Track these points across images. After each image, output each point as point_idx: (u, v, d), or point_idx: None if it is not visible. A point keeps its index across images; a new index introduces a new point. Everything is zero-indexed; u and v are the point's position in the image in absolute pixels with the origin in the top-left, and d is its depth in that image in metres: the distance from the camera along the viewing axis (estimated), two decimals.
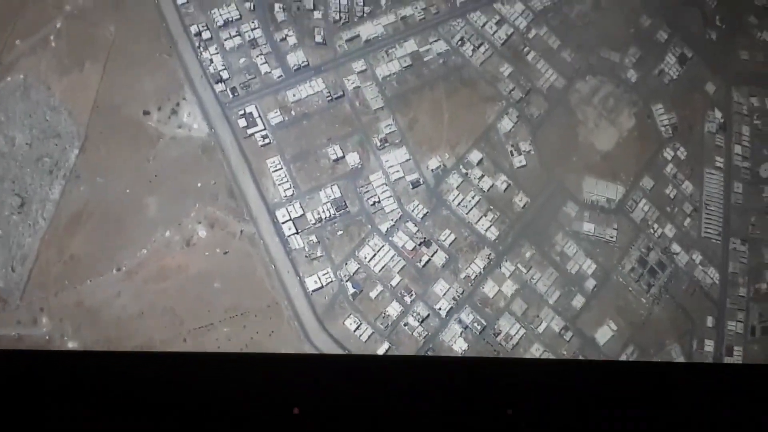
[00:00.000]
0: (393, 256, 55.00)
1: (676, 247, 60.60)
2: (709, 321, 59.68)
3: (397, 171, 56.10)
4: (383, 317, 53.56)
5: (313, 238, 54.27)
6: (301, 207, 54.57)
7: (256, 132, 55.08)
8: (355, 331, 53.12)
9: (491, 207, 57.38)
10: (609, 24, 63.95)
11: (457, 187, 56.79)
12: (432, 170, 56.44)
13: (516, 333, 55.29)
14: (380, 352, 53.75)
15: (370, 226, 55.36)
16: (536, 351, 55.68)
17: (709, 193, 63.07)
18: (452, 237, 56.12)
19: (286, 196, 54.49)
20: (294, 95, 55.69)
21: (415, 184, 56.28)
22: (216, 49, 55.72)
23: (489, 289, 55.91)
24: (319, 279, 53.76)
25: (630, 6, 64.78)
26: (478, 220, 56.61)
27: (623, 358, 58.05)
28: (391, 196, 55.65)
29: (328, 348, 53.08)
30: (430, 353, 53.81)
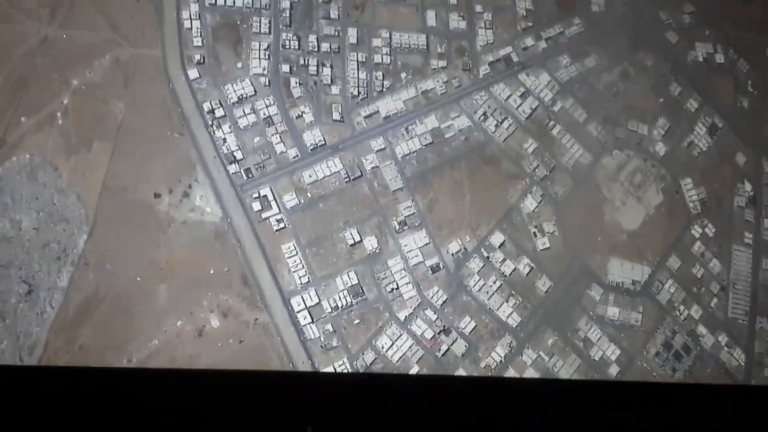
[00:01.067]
0: (411, 345, 53.29)
1: (702, 330, 58.75)
2: None
3: (417, 255, 54.15)
4: None
5: (329, 327, 52.55)
6: (317, 294, 52.74)
7: (271, 216, 53.14)
8: None
9: (513, 292, 55.49)
10: (638, 94, 61.65)
11: (478, 271, 54.85)
12: (452, 254, 54.48)
13: None
14: None
15: (387, 314, 53.55)
16: None
17: (736, 271, 61.08)
18: (472, 324, 54.37)
19: (301, 284, 52.67)
20: (310, 176, 53.62)
21: (435, 269, 54.36)
22: (230, 127, 53.57)
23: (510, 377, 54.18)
24: (335, 370, 52.01)
25: (659, 74, 62.11)
26: (500, 306, 54.78)
27: None
28: (409, 282, 53.78)
29: None
30: None
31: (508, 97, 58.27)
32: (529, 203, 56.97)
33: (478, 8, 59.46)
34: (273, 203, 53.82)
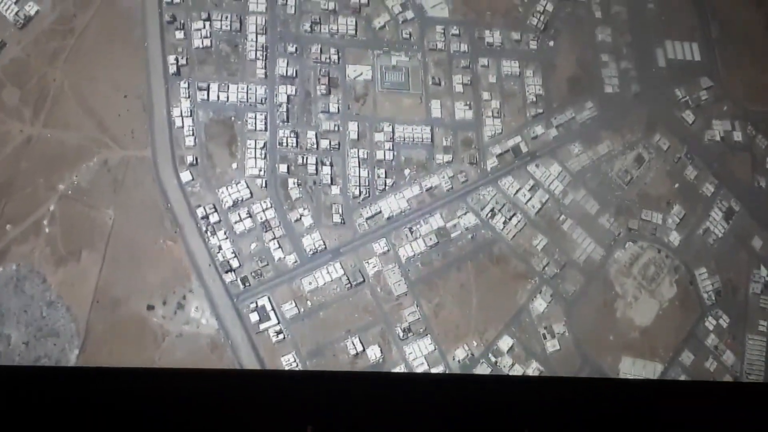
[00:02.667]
0: None
1: None
2: None
3: (422, 363, 52.43)
4: None
5: None
6: None
7: (270, 327, 51.22)
8: None
9: None
10: (652, 180, 59.26)
11: None
12: (459, 361, 52.72)
13: None
14: None
15: None
16: None
17: (750, 360, 59.26)
18: None
19: None
20: (310, 283, 51.35)
21: None
22: (225, 233, 51.20)
23: None
24: None
25: (675, 157, 59.17)
26: None
27: None
28: None
29: None
30: None
31: (517, 191, 55.68)
32: (539, 304, 54.76)
33: (486, 96, 56.60)
34: (271, 313, 51.74)
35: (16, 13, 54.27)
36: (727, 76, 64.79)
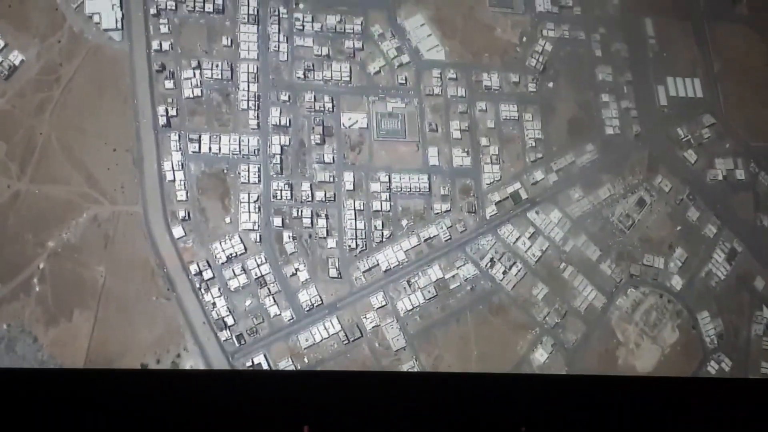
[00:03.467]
0: None
1: None
2: None
3: None
4: None
5: None
6: None
7: None
8: None
9: None
10: (654, 224, 58.68)
11: None
12: None
13: None
14: None
15: None
16: None
17: None
18: None
19: None
20: (307, 340, 50.58)
21: None
22: (219, 290, 50.26)
23: None
24: None
25: (677, 199, 58.14)
26: None
27: None
28: None
29: None
30: None
31: (517, 240, 54.71)
32: (540, 354, 54.06)
33: (484, 141, 55.49)
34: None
35: (1, 63, 52.58)
36: (730, 112, 63.65)
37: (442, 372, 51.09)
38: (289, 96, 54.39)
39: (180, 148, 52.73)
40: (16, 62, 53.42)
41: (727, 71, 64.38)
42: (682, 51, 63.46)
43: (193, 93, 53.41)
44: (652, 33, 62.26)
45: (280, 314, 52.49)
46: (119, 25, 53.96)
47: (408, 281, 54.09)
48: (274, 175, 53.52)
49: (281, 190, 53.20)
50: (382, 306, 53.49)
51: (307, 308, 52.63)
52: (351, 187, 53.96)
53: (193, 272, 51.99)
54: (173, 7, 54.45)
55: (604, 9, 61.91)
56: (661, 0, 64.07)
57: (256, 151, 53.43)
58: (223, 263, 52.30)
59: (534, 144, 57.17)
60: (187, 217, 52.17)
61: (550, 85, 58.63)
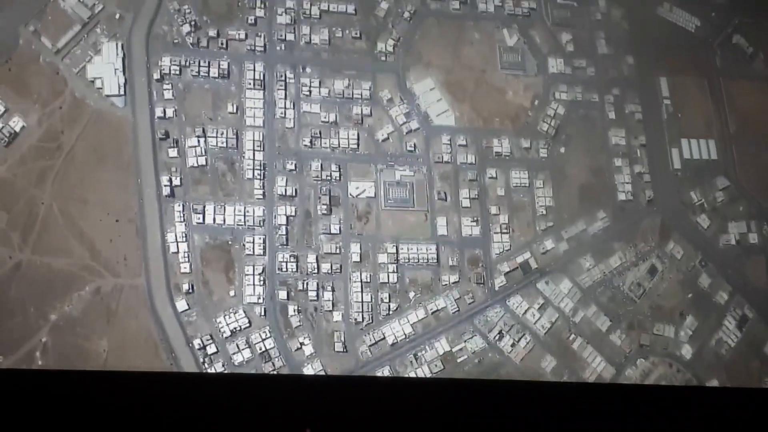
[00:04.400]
0: None
1: None
2: None
3: None
4: None
5: None
6: None
7: None
8: None
9: None
10: (665, 292, 57.63)
11: None
12: None
13: None
14: None
15: None
16: None
17: None
18: None
19: None
20: None
21: None
22: (223, 365, 50.14)
23: None
24: None
25: (689, 266, 56.78)
26: None
27: None
28: None
29: None
30: None
31: (526, 311, 53.78)
32: None
33: (494, 210, 54.18)
34: None
35: (1, 130, 51.31)
36: (744, 173, 62.26)
37: (445, 378, 50.35)
38: (295, 164, 53.16)
39: (184, 219, 51.64)
40: (17, 128, 52.21)
41: (742, 131, 62.83)
42: (698, 111, 61.89)
43: (197, 162, 52.24)
44: (667, 93, 60.70)
45: None
46: (122, 91, 52.72)
47: (415, 355, 53.11)
48: (280, 247, 52.42)
49: (287, 262, 52.11)
50: None
51: None
52: (358, 259, 52.83)
53: (196, 347, 51.09)
54: (177, 72, 53.14)
55: (619, 69, 60.44)
56: (677, 58, 62.55)
57: (262, 222, 52.29)
58: (227, 337, 51.34)
59: (545, 212, 55.85)
60: (190, 290, 51.15)
61: (562, 150, 57.21)
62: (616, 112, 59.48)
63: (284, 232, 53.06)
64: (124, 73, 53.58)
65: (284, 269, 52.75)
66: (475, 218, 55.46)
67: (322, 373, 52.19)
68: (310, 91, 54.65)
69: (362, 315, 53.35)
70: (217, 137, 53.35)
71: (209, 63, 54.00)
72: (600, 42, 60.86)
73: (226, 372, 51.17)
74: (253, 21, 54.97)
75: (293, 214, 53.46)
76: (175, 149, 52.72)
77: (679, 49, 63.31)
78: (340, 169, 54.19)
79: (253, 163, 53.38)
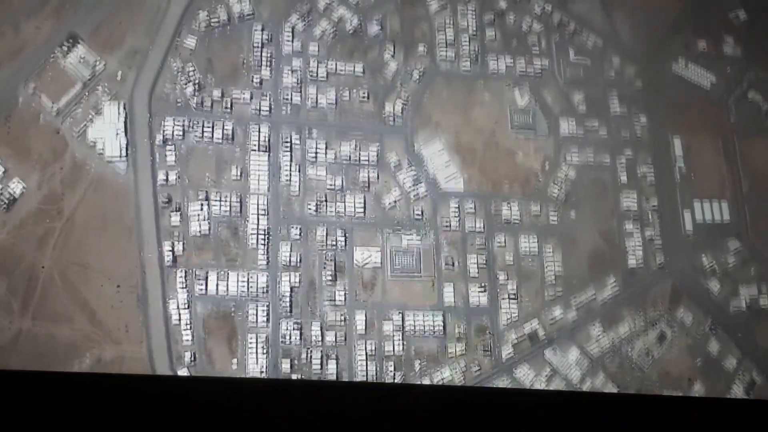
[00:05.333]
0: None
1: None
2: None
3: None
4: None
5: None
6: None
7: None
8: None
9: None
10: (674, 358, 56.70)
11: None
12: None
13: None
14: None
15: None
16: None
17: None
18: None
19: None
20: None
21: None
22: None
23: None
24: None
25: (699, 332, 55.57)
26: None
27: None
28: None
29: None
30: None
31: (533, 381, 52.00)
32: None
33: (502, 277, 52.91)
34: None
35: (1, 193, 49.74)
36: (756, 234, 60.97)
37: (447, 385, 49.29)
38: (300, 231, 51.78)
39: (186, 287, 50.46)
40: (17, 191, 50.88)
41: (755, 190, 61.39)
42: (711, 171, 60.39)
43: (200, 228, 50.94)
44: (681, 153, 59.17)
45: None
46: (123, 154, 51.32)
47: None
48: (283, 316, 51.13)
49: (290, 332, 50.96)
50: None
51: None
52: (363, 328, 51.58)
53: None
54: (180, 135, 51.73)
55: (632, 129, 58.96)
56: (691, 117, 61.01)
57: (265, 291, 51.06)
58: None
59: (554, 279, 54.58)
60: (192, 361, 50.07)
61: (573, 215, 55.83)
62: (628, 175, 58.09)
63: (288, 301, 51.87)
64: (126, 136, 52.14)
65: (288, 339, 51.57)
66: (483, 286, 54.18)
67: None
68: (316, 155, 53.29)
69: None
70: (220, 203, 52.05)
71: (213, 125, 52.60)
72: (613, 101, 59.39)
73: (223, 376, 49.90)
74: (258, 82, 53.73)
75: (297, 282, 52.23)
76: (178, 215, 51.41)
77: (693, 108, 61.70)
78: (345, 235, 52.88)
79: (257, 229, 52.07)
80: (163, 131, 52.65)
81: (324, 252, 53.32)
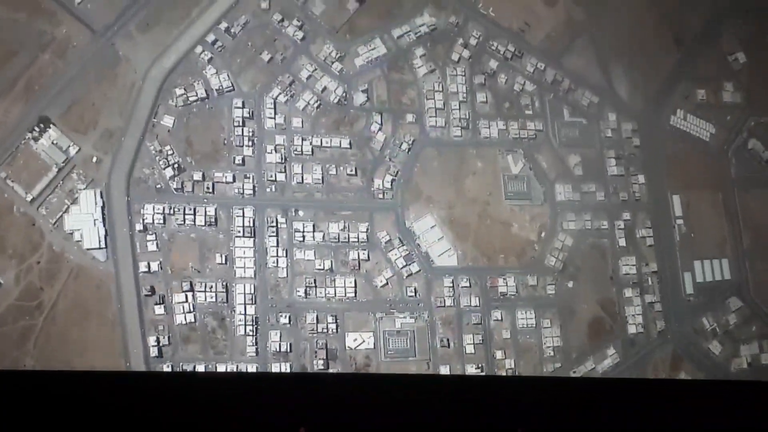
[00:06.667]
0: None
1: None
2: None
3: None
4: None
5: None
6: None
7: None
8: None
9: None
10: None
11: None
12: None
13: None
14: None
15: None
16: None
17: None
18: None
19: None
20: None
21: None
22: None
23: None
24: None
25: None
26: None
27: None
28: None
29: None
30: None
31: None
32: None
33: (499, 354, 52.16)
34: None
35: None
36: (757, 291, 59.20)
37: (440, 375, 48.40)
38: (289, 317, 49.67)
39: None
40: None
41: (756, 245, 59.37)
42: (711, 228, 58.16)
43: (185, 319, 48.87)
44: (680, 212, 56.90)
45: None
46: (102, 243, 48.89)
47: None
48: None
49: None
50: None
51: None
52: None
53: None
54: (161, 221, 49.23)
55: (629, 190, 56.49)
56: (690, 172, 58.70)
57: None
58: None
59: (552, 353, 52.83)
60: None
61: (570, 284, 53.71)
62: (627, 239, 55.85)
63: None
64: (104, 224, 49.53)
65: None
66: (480, 365, 52.24)
67: None
68: (303, 237, 50.88)
69: None
70: (205, 291, 49.79)
71: (195, 210, 50.11)
72: (610, 162, 56.87)
73: (219, 371, 47.94)
74: (240, 161, 51.12)
75: (288, 371, 50.09)
76: (162, 306, 49.10)
77: (692, 162, 59.19)
78: (336, 320, 50.70)
79: (245, 317, 49.86)
80: (143, 218, 50.03)
81: (315, 338, 51.10)
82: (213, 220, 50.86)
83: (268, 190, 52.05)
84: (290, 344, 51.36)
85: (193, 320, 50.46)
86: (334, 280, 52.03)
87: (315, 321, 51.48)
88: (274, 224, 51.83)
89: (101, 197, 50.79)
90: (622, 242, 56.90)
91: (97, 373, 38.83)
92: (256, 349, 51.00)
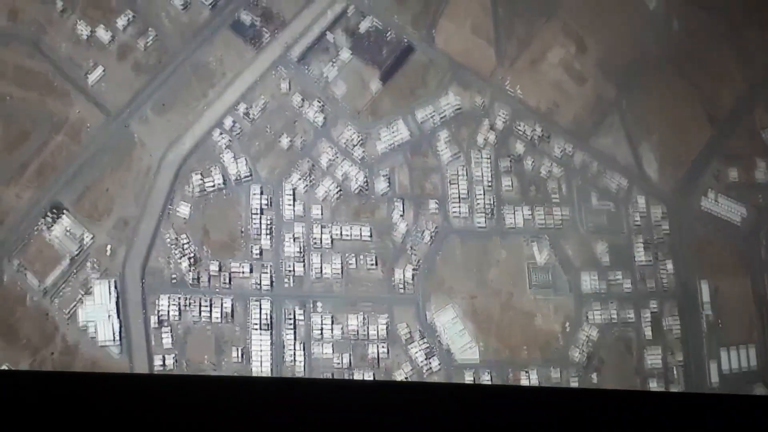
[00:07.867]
0: None
1: None
2: None
3: None
4: None
5: None
6: None
7: None
8: None
9: None
10: None
11: None
12: None
13: None
14: None
15: None
16: None
17: None
18: None
19: None
20: None
21: None
22: None
23: None
24: None
25: None
26: None
27: None
28: None
29: None
30: None
31: None
32: None
33: None
34: None
35: None
36: None
37: (443, 383, 47.73)
38: None
39: None
40: None
41: None
42: (739, 315, 56.13)
43: None
44: (708, 299, 54.68)
45: None
46: (117, 338, 47.30)
47: None
48: None
49: None
50: None
51: None
52: None
53: None
54: (177, 315, 47.65)
55: (657, 278, 54.31)
56: (719, 257, 56.41)
57: None
58: None
59: None
60: None
61: (594, 378, 51.90)
62: (653, 330, 53.96)
63: None
64: (118, 317, 48.01)
65: None
66: None
67: None
68: (321, 331, 49.30)
69: None
70: None
71: (211, 303, 48.56)
72: (638, 249, 54.62)
73: (216, 375, 47.05)
74: (258, 252, 49.51)
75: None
76: None
77: (722, 246, 57.00)
78: None
79: None
80: (158, 311, 48.69)
81: None
82: (229, 313, 49.51)
83: (285, 282, 50.63)
84: None
85: None
86: (352, 376, 50.89)
87: None
88: (292, 317, 50.38)
89: (115, 289, 49.45)
90: (649, 333, 55.36)
91: (97, 374, 38.01)
92: None
